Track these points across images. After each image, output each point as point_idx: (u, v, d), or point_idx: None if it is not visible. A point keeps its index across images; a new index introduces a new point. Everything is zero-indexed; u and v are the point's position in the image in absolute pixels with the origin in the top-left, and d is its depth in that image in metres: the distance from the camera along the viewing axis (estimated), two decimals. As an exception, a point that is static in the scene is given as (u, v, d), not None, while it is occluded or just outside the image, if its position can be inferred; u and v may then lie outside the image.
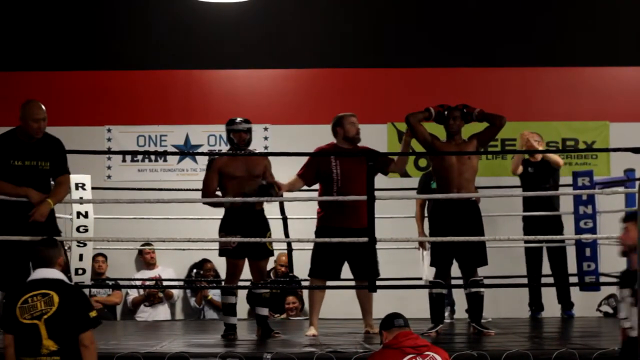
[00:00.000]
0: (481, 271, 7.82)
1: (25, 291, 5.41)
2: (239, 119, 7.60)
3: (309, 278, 7.84)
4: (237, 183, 7.45)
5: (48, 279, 5.45)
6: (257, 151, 7.81)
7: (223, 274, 10.39)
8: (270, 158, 7.81)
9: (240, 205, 7.38)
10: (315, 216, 7.83)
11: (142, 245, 10.47)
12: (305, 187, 7.91)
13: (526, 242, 9.44)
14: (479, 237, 7.53)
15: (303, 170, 7.75)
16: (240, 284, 7.86)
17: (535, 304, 9.70)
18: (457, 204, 7.61)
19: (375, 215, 6.92)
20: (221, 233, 7.46)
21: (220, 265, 10.38)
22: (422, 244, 8.37)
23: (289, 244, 8.17)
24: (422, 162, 11.29)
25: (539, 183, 9.48)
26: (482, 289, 7.72)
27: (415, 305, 8.38)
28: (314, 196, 8.00)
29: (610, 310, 9.82)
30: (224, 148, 11.23)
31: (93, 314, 5.44)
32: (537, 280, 9.51)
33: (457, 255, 7.64)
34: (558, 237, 8.82)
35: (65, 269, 5.62)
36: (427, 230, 8.39)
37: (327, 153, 7.68)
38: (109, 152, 11.16)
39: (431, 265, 7.87)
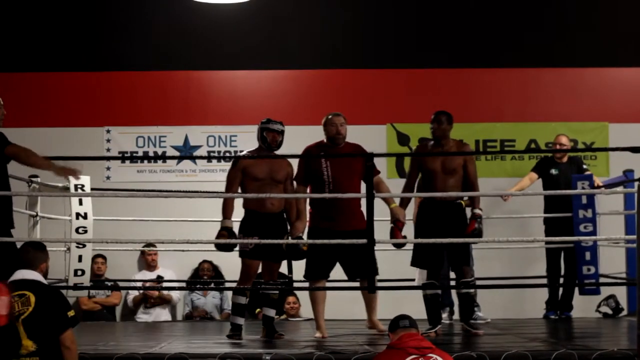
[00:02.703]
0: (480, 272, 7.82)
1: None
2: (275, 120, 7.64)
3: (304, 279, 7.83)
4: (258, 185, 7.46)
5: (25, 279, 5.46)
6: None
7: (226, 275, 10.49)
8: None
9: (259, 207, 7.42)
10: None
11: (144, 246, 10.47)
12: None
13: (526, 242, 9.44)
14: (479, 238, 7.52)
15: (298, 174, 7.74)
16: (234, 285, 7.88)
17: (552, 303, 9.69)
18: (441, 207, 7.61)
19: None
20: (240, 234, 7.47)
21: (223, 265, 10.42)
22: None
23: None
24: (422, 163, 11.29)
25: (564, 184, 9.47)
26: (471, 289, 7.73)
27: (414, 307, 8.34)
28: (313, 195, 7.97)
29: (610, 311, 9.82)
30: (224, 149, 11.24)
31: (71, 313, 5.44)
32: (556, 281, 9.53)
33: (444, 256, 7.66)
34: (557, 238, 8.82)
35: (44, 276, 5.61)
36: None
37: (318, 154, 7.67)
38: (105, 157, 11.14)
39: (413, 265, 7.84)
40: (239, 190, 7.56)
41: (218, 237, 7.41)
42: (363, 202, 7.39)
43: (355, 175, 7.52)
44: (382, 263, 7.65)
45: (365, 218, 7.46)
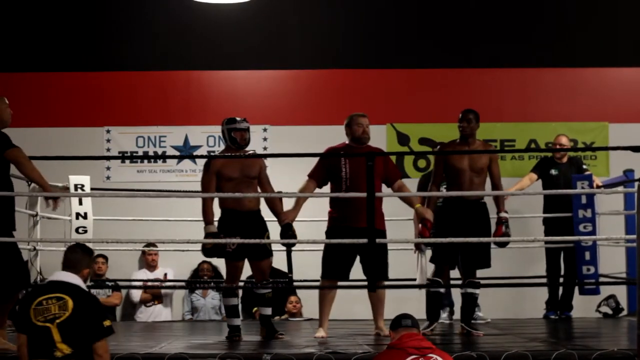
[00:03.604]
0: (480, 272, 7.82)
1: (40, 293, 5.37)
2: (239, 118, 7.60)
3: (308, 279, 7.82)
4: (234, 185, 7.44)
5: (65, 282, 5.39)
6: (251, 152, 7.75)
7: (224, 275, 10.48)
8: (271, 159, 7.78)
9: (237, 206, 7.41)
10: (318, 218, 7.82)
11: (145, 246, 10.48)
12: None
13: (526, 242, 9.43)
14: (477, 238, 7.50)
15: (314, 171, 7.72)
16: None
17: (552, 303, 9.69)
18: (465, 206, 7.61)
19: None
20: (220, 235, 7.44)
21: (221, 266, 10.41)
22: (418, 246, 8.37)
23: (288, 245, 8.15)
24: (422, 163, 11.30)
25: (564, 185, 9.47)
26: (477, 291, 7.74)
27: (414, 306, 8.37)
28: (315, 195, 7.95)
29: (610, 311, 9.82)
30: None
31: (107, 323, 5.38)
32: (556, 281, 9.54)
33: (459, 255, 7.65)
34: (557, 238, 8.82)
35: (85, 282, 5.56)
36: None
37: (333, 153, 7.65)
38: (105, 157, 11.15)
39: (432, 261, 7.87)
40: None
41: (205, 244, 7.38)
42: (385, 203, 7.42)
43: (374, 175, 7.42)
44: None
45: (383, 218, 7.49)
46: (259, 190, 7.53)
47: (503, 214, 7.64)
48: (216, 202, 7.58)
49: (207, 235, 7.38)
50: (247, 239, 7.24)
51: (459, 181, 7.65)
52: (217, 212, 7.56)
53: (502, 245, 7.72)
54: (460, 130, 7.73)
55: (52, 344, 5.25)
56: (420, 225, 7.54)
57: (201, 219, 8.04)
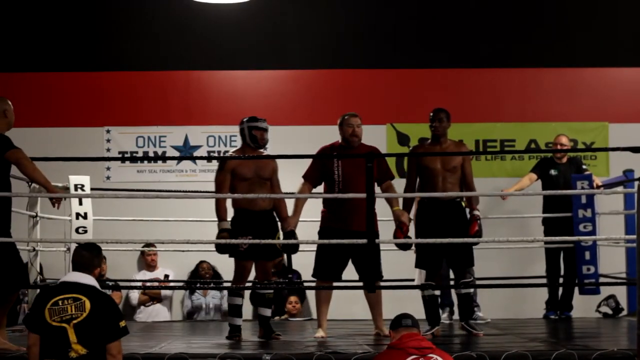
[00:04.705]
0: (480, 272, 7.83)
1: (56, 293, 5.35)
2: (260, 118, 7.63)
3: (313, 279, 7.82)
4: (247, 185, 7.46)
5: (81, 283, 5.38)
6: (264, 153, 7.77)
7: (223, 275, 10.48)
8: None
9: (250, 206, 7.41)
10: (314, 218, 7.82)
11: (144, 246, 10.47)
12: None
13: (526, 242, 9.43)
14: (455, 238, 7.46)
15: (308, 172, 7.73)
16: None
17: (552, 303, 9.69)
18: (441, 206, 7.59)
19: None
20: (234, 232, 7.43)
21: (219, 265, 10.41)
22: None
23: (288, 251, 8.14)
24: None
25: (564, 185, 9.47)
26: (470, 290, 7.74)
27: (415, 306, 8.39)
28: (314, 195, 7.96)
29: (610, 311, 9.82)
30: (224, 149, 11.24)
31: (122, 323, 5.38)
32: (556, 281, 9.54)
33: (444, 256, 7.65)
34: (557, 238, 8.82)
35: (98, 280, 5.55)
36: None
37: (329, 154, 7.65)
38: (105, 158, 11.14)
39: (417, 266, 7.85)
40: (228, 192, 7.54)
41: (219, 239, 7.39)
42: (377, 203, 7.41)
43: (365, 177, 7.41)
44: (383, 263, 7.64)
45: (376, 219, 7.48)
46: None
47: (477, 212, 7.62)
48: (229, 200, 7.59)
49: (221, 231, 7.39)
50: (259, 238, 7.27)
51: (433, 181, 7.63)
52: (229, 211, 7.57)
53: (475, 243, 7.68)
54: (432, 130, 7.71)
55: (67, 344, 5.24)
56: (396, 227, 7.53)
57: (201, 219, 8.08)
